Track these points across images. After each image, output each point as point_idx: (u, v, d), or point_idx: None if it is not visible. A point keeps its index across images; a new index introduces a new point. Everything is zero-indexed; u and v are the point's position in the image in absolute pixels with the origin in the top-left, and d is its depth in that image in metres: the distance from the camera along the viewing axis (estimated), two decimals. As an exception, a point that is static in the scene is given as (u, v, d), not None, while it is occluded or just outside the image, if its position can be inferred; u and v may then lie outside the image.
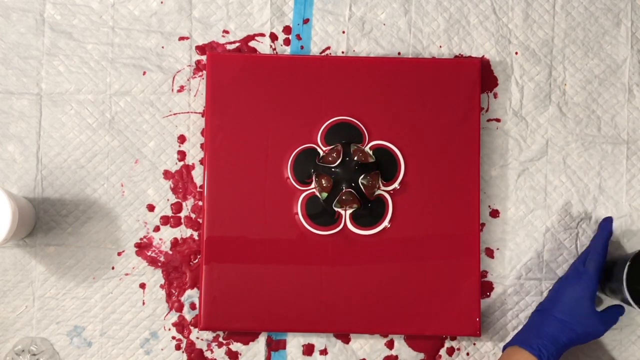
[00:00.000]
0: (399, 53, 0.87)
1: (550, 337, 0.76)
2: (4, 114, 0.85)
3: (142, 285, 0.84)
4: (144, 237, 0.84)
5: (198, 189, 0.85)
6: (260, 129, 0.84)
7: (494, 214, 0.85)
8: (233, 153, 0.83)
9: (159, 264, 0.84)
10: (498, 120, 0.86)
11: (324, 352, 0.84)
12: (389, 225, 0.83)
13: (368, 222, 0.83)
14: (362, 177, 0.82)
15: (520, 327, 0.84)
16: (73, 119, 0.85)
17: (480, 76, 0.84)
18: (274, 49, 0.86)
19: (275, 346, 0.84)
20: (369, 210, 0.83)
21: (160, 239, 0.84)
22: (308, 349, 0.84)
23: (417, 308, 0.83)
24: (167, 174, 0.85)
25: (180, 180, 0.85)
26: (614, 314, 0.79)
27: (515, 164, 0.86)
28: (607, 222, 0.82)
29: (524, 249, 0.85)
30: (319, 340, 0.84)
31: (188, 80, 0.86)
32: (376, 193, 0.83)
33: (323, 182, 0.82)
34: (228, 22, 0.86)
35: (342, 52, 0.86)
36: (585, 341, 0.78)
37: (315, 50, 0.86)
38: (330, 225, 0.83)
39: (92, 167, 0.85)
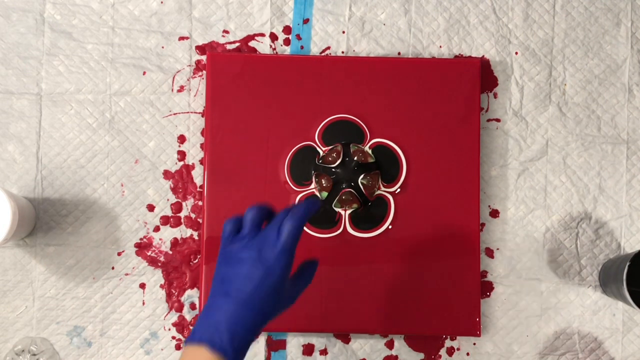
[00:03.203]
0: (399, 53, 0.87)
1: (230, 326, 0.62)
2: (4, 114, 0.85)
3: (142, 285, 0.84)
4: (144, 237, 0.84)
5: (198, 189, 0.85)
6: (260, 128, 0.84)
7: (494, 214, 0.85)
8: (233, 153, 0.83)
9: (159, 264, 0.84)
10: (498, 120, 0.86)
11: (324, 352, 0.84)
12: (390, 227, 0.83)
13: (369, 225, 0.83)
14: (362, 177, 0.82)
15: (520, 327, 0.84)
16: (73, 119, 0.85)
17: (480, 76, 0.84)
18: (274, 49, 0.86)
19: (275, 346, 0.84)
20: (371, 212, 0.83)
21: (160, 239, 0.84)
22: (308, 349, 0.84)
23: (417, 308, 0.83)
24: (167, 174, 0.85)
25: (180, 180, 0.85)
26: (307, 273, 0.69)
27: (515, 164, 0.86)
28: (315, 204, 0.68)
29: (524, 249, 0.85)
30: (319, 340, 0.84)
31: (188, 80, 0.86)
32: (377, 193, 0.83)
33: (323, 182, 0.82)
34: (228, 22, 0.86)
35: (342, 52, 0.86)
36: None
37: (315, 50, 0.86)
38: (330, 228, 0.83)
39: (92, 167, 0.85)
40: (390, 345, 0.84)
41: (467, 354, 0.84)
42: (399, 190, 0.83)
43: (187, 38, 0.86)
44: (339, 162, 0.82)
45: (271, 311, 0.65)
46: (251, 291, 0.63)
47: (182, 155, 0.85)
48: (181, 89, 0.86)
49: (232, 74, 0.84)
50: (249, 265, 0.64)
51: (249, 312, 0.63)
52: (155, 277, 0.84)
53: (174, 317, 0.84)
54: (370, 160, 0.83)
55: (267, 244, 0.64)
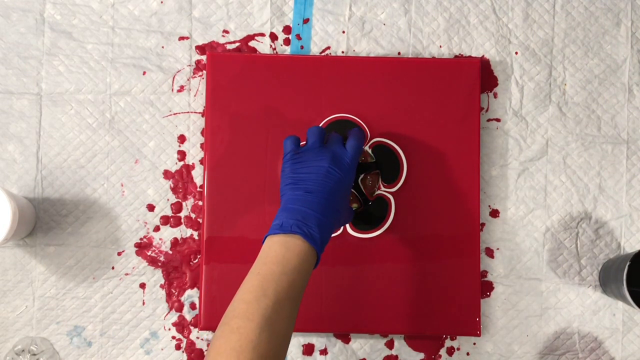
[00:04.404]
0: (399, 53, 0.87)
1: (319, 222, 0.69)
2: (4, 114, 0.85)
3: (142, 285, 0.84)
4: (144, 237, 0.84)
5: (198, 189, 0.85)
6: (260, 129, 0.84)
7: (494, 214, 0.85)
8: (233, 153, 0.83)
9: (159, 264, 0.84)
10: (498, 120, 0.86)
11: (324, 352, 0.84)
12: (390, 227, 0.83)
13: (369, 226, 0.83)
14: (362, 176, 0.82)
15: (520, 327, 0.84)
16: (73, 119, 0.85)
17: (480, 76, 0.84)
18: (274, 49, 0.86)
19: (275, 346, 0.84)
20: (371, 213, 0.83)
21: (160, 239, 0.84)
22: (308, 349, 0.84)
23: (417, 308, 0.83)
24: (167, 174, 0.85)
25: (180, 180, 0.85)
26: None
27: (515, 164, 0.86)
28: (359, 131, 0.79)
29: (524, 249, 0.85)
30: (319, 340, 0.84)
31: (188, 80, 0.86)
32: (377, 193, 0.83)
33: None
34: (228, 22, 0.86)
35: (342, 52, 0.86)
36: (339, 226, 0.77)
37: (315, 50, 0.86)
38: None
39: (92, 167, 0.85)
40: (390, 345, 0.84)
41: (467, 354, 0.84)
42: (399, 190, 0.83)
43: (187, 38, 0.86)
44: None
45: (342, 213, 0.73)
46: (331, 189, 0.71)
47: (182, 155, 0.85)
48: (181, 89, 0.86)
49: (232, 74, 0.84)
50: (326, 169, 0.72)
51: (330, 208, 0.70)
52: (155, 277, 0.84)
53: (174, 317, 0.84)
54: (370, 160, 0.83)
55: (337, 156, 0.73)
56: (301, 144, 0.77)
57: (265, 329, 0.62)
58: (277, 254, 0.67)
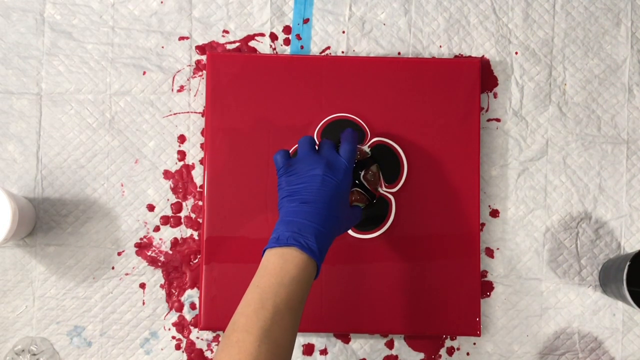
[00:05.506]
0: (399, 53, 0.87)
1: (317, 233, 0.69)
2: (4, 114, 0.85)
3: (142, 285, 0.84)
4: (144, 237, 0.84)
5: (198, 189, 0.85)
6: (260, 128, 0.84)
7: (494, 214, 0.85)
8: (233, 153, 0.83)
9: (159, 264, 0.84)
10: (498, 120, 0.86)
11: (324, 352, 0.84)
12: (391, 227, 0.83)
13: (370, 227, 0.83)
14: (362, 173, 0.82)
15: (520, 327, 0.84)
16: (73, 118, 0.85)
17: (480, 76, 0.84)
18: (274, 49, 0.86)
19: (275, 346, 0.84)
20: (372, 213, 0.83)
21: (160, 239, 0.84)
22: (308, 349, 0.84)
23: (417, 308, 0.83)
24: (167, 174, 0.85)
25: (180, 180, 0.85)
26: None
27: (515, 164, 0.86)
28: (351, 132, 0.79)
29: (524, 249, 0.85)
30: (319, 340, 0.84)
31: (188, 80, 0.86)
32: (378, 190, 0.83)
33: None
34: (228, 22, 0.86)
35: (342, 52, 0.86)
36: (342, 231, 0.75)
37: (315, 50, 0.86)
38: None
39: (92, 167, 0.85)
40: (390, 345, 0.84)
41: (467, 354, 0.84)
42: (399, 190, 0.83)
43: (187, 38, 0.86)
44: None
45: (342, 219, 0.73)
46: (328, 196, 0.71)
47: (182, 155, 0.85)
48: (181, 88, 0.86)
49: (232, 74, 0.84)
50: (321, 177, 0.71)
51: (328, 217, 0.70)
52: (155, 277, 0.84)
53: (174, 317, 0.84)
54: (367, 156, 0.83)
55: (331, 161, 0.73)
56: (291, 150, 0.77)
57: (265, 341, 0.62)
58: (275, 266, 0.67)
